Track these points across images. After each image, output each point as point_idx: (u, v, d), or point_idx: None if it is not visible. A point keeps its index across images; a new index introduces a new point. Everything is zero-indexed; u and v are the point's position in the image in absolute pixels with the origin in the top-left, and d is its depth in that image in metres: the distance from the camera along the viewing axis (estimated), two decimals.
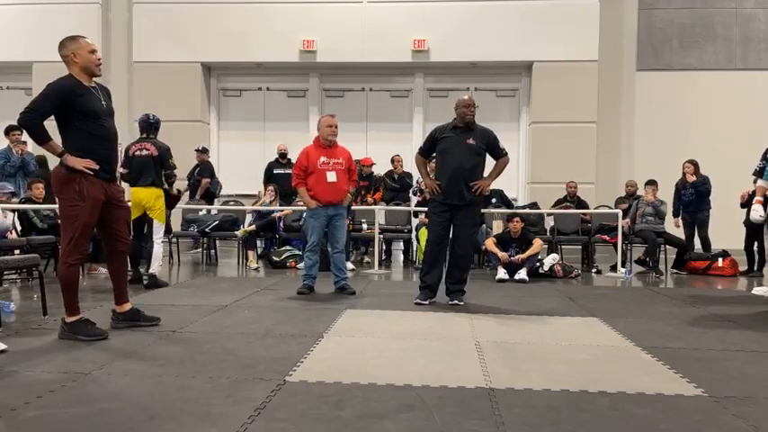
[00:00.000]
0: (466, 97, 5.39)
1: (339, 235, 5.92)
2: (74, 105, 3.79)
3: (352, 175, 6.06)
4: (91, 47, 3.94)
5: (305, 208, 6.12)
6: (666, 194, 8.75)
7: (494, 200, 8.89)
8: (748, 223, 7.60)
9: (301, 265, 7.69)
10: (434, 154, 5.61)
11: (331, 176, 5.80)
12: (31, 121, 3.72)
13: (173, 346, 3.71)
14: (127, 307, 4.24)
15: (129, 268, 4.99)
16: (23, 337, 3.92)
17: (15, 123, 8.35)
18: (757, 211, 5.81)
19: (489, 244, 7.43)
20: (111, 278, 4.25)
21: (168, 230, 8.99)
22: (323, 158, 5.82)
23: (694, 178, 8.40)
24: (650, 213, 8.30)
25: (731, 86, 11.33)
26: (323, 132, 5.86)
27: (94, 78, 4.02)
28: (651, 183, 8.56)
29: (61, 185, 3.88)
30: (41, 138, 3.72)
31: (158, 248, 6.20)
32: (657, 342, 3.98)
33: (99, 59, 3.96)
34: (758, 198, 5.90)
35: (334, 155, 5.88)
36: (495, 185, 6.06)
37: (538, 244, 7.29)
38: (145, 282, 6.14)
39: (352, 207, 8.07)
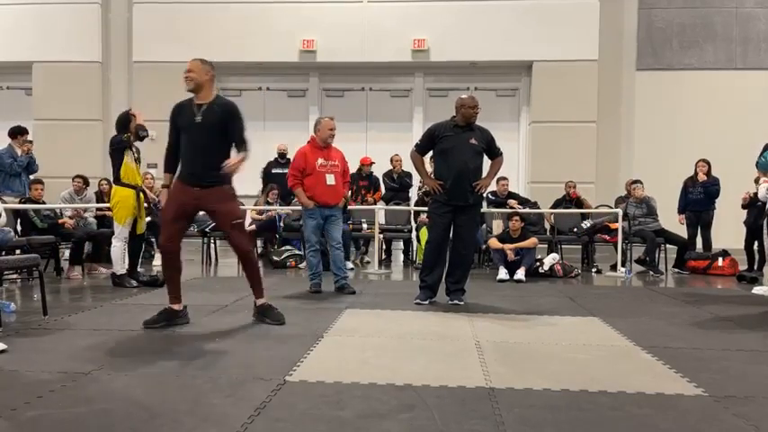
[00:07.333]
0: (465, 96, 5.35)
1: (336, 232, 5.96)
2: (175, 123, 4.44)
3: (345, 176, 6.10)
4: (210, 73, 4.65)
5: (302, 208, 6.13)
6: (667, 193, 8.74)
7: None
8: (748, 223, 7.61)
9: (302, 265, 7.71)
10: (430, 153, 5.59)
11: (330, 179, 5.84)
12: (166, 157, 4.35)
13: (173, 346, 3.72)
14: (260, 302, 4.52)
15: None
16: (23, 337, 3.92)
17: (22, 125, 8.42)
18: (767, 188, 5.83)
19: (494, 243, 7.44)
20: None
21: None
22: (321, 160, 5.84)
23: (705, 178, 8.39)
24: (641, 214, 8.26)
25: (731, 86, 11.33)
26: (323, 134, 5.87)
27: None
28: (636, 182, 8.53)
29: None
30: (165, 168, 4.31)
31: (115, 249, 6.05)
32: (657, 342, 3.98)
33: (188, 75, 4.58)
34: (765, 179, 5.91)
35: (331, 156, 5.92)
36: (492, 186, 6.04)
37: (532, 241, 7.34)
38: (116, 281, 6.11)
39: (351, 206, 8.07)
